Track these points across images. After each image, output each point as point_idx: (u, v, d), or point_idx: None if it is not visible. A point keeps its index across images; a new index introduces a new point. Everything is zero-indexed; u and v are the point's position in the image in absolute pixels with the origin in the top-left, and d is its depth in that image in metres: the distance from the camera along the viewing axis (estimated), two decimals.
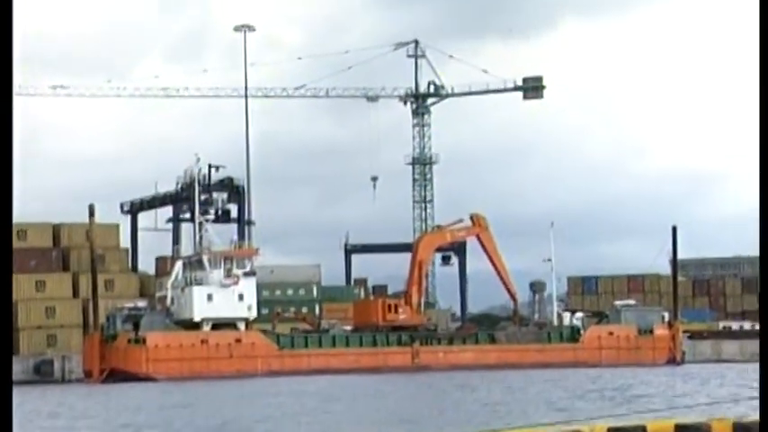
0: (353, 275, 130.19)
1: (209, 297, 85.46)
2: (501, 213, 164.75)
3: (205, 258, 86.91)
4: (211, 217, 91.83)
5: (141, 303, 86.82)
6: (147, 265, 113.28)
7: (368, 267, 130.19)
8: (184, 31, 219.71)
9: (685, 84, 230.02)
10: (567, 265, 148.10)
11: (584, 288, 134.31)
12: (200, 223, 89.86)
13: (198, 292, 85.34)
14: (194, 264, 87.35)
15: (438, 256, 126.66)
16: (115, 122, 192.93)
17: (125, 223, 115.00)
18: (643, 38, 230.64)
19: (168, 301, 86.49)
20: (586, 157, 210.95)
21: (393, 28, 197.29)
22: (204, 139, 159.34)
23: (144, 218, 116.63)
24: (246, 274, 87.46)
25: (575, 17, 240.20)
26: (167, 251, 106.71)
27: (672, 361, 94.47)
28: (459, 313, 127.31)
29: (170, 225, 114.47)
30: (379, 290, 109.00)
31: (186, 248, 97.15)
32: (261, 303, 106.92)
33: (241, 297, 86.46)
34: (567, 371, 78.75)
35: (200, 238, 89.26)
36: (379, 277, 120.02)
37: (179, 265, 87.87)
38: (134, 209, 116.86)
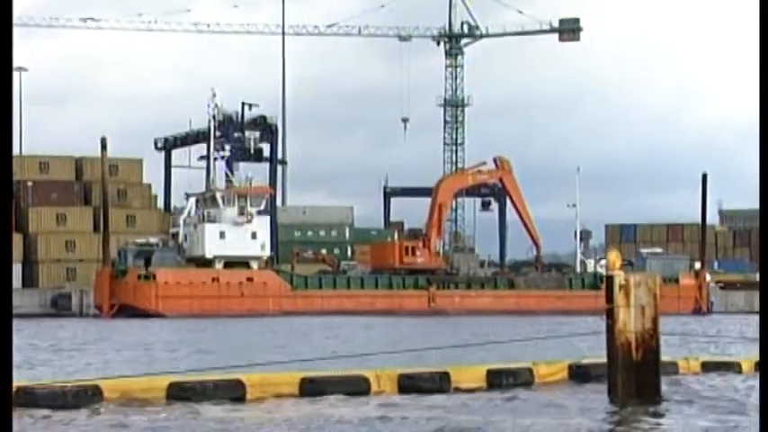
0: (393, 218, 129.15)
1: (222, 234, 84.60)
2: (535, 159, 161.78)
3: (218, 195, 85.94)
4: (227, 154, 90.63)
5: (153, 239, 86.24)
6: (181, 202, 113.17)
7: (406, 211, 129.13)
8: None
9: (738, 28, 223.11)
10: (612, 215, 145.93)
11: (621, 236, 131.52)
12: (215, 160, 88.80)
13: (210, 230, 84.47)
14: (207, 201, 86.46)
15: (478, 201, 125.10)
16: (170, 58, 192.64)
17: (159, 160, 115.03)
18: None
19: (180, 237, 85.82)
20: (630, 103, 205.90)
21: None
22: (248, 79, 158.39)
23: (178, 155, 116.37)
24: (260, 213, 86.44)
25: None
26: (201, 189, 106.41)
27: (698, 311, 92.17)
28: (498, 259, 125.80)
29: (202, 162, 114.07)
30: (415, 233, 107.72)
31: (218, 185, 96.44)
32: (292, 243, 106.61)
33: (254, 235, 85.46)
34: (587, 318, 76.96)
35: (215, 175, 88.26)
36: (416, 221, 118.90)
37: (192, 201, 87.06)
38: (168, 146, 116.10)
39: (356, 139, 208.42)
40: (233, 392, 14.09)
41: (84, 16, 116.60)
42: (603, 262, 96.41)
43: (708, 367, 18.73)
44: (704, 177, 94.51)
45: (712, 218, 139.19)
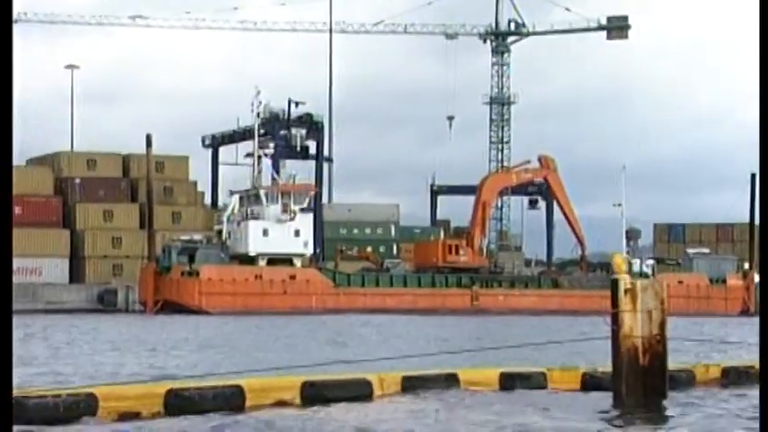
0: (439, 217, 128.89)
1: (265, 232, 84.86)
2: (582, 157, 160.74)
3: (262, 193, 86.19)
4: (270, 151, 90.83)
5: (197, 236, 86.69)
6: (228, 199, 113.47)
7: (453, 209, 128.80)
8: None
9: None
10: (661, 214, 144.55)
11: (670, 236, 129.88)
12: (259, 157, 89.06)
13: (253, 227, 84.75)
14: (251, 198, 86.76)
15: (525, 199, 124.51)
16: (217, 56, 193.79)
17: (206, 157, 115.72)
18: None
19: (224, 234, 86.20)
20: (679, 102, 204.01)
21: None
22: (295, 77, 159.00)
23: (226, 153, 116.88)
24: (304, 210, 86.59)
25: None
26: (248, 186, 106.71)
27: (745, 312, 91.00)
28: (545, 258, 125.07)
29: (249, 160, 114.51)
30: (461, 231, 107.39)
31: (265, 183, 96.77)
32: (337, 241, 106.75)
33: (297, 233, 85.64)
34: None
35: (259, 172, 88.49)
36: (462, 219, 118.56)
37: (235, 198, 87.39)
38: (215, 143, 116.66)
39: (404, 137, 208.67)
40: (231, 400, 13.83)
41: (134, 14, 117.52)
42: (649, 262, 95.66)
43: (728, 374, 18.33)
44: (753, 177, 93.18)
45: (764, 217, 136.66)
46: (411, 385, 15.62)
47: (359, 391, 15.08)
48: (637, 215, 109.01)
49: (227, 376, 15.61)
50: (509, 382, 16.29)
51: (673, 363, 18.86)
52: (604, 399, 14.87)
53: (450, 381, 16.07)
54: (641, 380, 14.08)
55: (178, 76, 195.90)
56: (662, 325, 14.25)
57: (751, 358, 19.67)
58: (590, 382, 16.49)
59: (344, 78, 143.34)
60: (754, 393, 17.31)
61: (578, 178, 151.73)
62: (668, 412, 14.09)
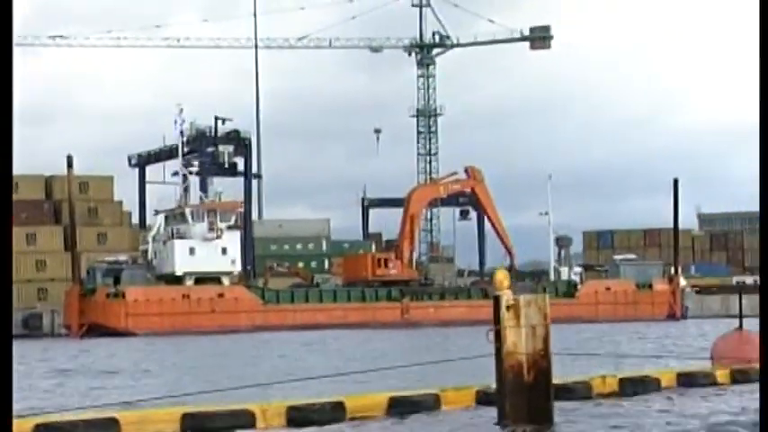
0: (371, 230, 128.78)
1: (192, 250, 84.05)
2: (512, 167, 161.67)
3: (187, 211, 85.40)
4: (195, 169, 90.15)
5: (122, 257, 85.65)
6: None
7: (385, 222, 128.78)
8: None
9: (713, 34, 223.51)
10: (591, 222, 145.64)
11: (599, 243, 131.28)
12: (185, 175, 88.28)
13: (180, 246, 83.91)
14: (177, 217, 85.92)
15: (456, 210, 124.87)
16: (142, 74, 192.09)
17: (134, 176, 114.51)
18: None
19: (150, 254, 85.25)
20: (605, 109, 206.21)
21: None
22: (222, 94, 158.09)
23: (154, 172, 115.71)
24: (230, 228, 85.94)
25: None
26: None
27: (672, 316, 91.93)
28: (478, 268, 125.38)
29: (176, 178, 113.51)
30: (393, 244, 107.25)
31: (193, 201, 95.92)
32: (268, 257, 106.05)
33: (225, 251, 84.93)
34: (560, 326, 76.68)
35: (185, 190, 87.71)
36: (394, 232, 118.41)
37: (160, 218, 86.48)
38: (141, 162, 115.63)
39: (334, 151, 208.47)
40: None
41: (54, 34, 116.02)
42: (577, 269, 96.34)
43: (625, 385, 18.25)
44: (676, 182, 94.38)
45: (690, 222, 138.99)
46: (296, 416, 15.14)
47: (240, 423, 14.56)
48: (567, 222, 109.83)
49: (107, 407, 15.13)
50: (398, 407, 15.93)
51: (570, 375, 18.81)
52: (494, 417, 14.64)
53: (337, 410, 15.57)
54: (526, 396, 13.87)
55: (103, 96, 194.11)
56: (545, 340, 14.07)
57: (649, 368, 19.66)
58: (484, 399, 16.28)
59: (272, 94, 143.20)
60: (652, 400, 17.29)
61: (508, 188, 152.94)
62: (554, 428, 13.89)
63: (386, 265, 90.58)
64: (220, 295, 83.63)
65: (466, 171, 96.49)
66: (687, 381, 18.77)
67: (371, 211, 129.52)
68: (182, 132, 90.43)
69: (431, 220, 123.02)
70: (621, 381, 18.22)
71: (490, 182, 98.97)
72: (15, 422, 13.12)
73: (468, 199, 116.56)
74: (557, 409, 16.43)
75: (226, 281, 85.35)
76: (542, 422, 13.98)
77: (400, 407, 15.74)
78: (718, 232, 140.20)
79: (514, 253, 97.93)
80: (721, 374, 19.50)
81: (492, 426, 14.13)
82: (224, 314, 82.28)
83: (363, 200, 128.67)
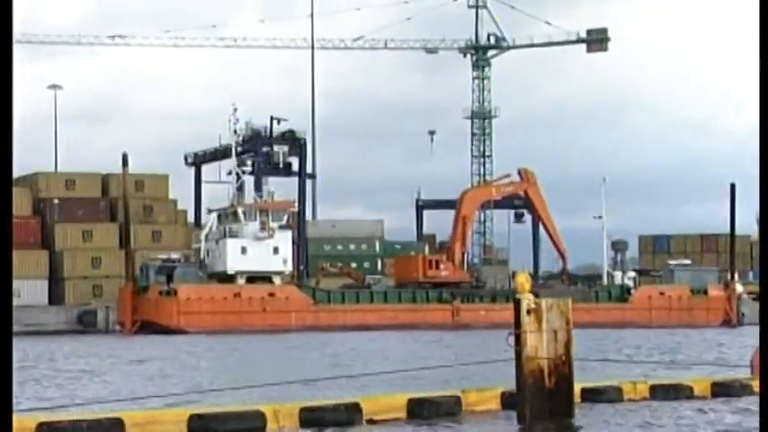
0: (426, 231, 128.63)
1: (243, 250, 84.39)
2: (565, 171, 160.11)
3: (240, 210, 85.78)
4: (248, 168, 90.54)
5: (175, 255, 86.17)
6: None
7: (439, 224, 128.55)
8: None
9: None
10: (648, 226, 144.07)
11: (655, 247, 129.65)
12: (238, 175, 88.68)
13: (232, 245, 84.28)
14: (229, 216, 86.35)
15: (511, 213, 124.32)
16: (199, 74, 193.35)
17: (189, 176, 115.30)
18: None
19: (202, 253, 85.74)
20: (663, 112, 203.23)
21: None
22: (279, 94, 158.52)
23: (210, 171, 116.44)
24: (282, 227, 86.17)
25: None
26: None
27: (727, 322, 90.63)
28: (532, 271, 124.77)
29: (230, 178, 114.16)
30: (446, 245, 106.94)
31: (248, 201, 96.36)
32: (321, 257, 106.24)
33: (276, 250, 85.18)
34: (610, 331, 75.96)
35: (238, 189, 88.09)
36: (448, 233, 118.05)
37: (213, 217, 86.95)
38: (197, 161, 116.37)
39: (389, 152, 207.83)
40: None
41: (113, 33, 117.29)
42: (631, 274, 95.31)
43: (656, 392, 17.91)
44: (732, 187, 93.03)
45: (750, 228, 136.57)
46: (309, 417, 14.82)
47: (251, 425, 14.24)
48: (624, 226, 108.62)
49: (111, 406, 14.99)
50: (417, 409, 15.64)
51: (601, 379, 18.53)
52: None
53: (352, 411, 15.17)
54: (547, 402, 13.64)
55: (160, 95, 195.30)
56: (567, 345, 13.82)
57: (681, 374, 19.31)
58: (510, 401, 16.02)
59: (327, 94, 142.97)
60: (683, 407, 16.96)
61: (563, 191, 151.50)
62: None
63: (437, 267, 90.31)
64: (271, 294, 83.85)
65: (519, 173, 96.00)
66: (722, 390, 18.36)
67: (426, 213, 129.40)
68: (235, 131, 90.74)
69: (484, 222, 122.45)
70: (653, 387, 17.88)
71: (545, 184, 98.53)
72: (18, 420, 13.06)
73: (523, 202, 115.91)
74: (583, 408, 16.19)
75: (277, 280, 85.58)
76: (563, 427, 13.73)
77: (419, 408, 15.42)
78: None
79: (567, 256, 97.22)
80: (759, 384, 19.05)
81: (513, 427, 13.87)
82: (275, 313, 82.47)
83: (417, 201, 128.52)
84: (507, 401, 15.98)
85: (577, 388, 17.54)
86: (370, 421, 14.81)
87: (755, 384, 19.08)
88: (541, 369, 13.63)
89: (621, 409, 16.51)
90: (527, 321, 13.63)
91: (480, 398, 15.61)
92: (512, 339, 13.94)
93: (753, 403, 17.41)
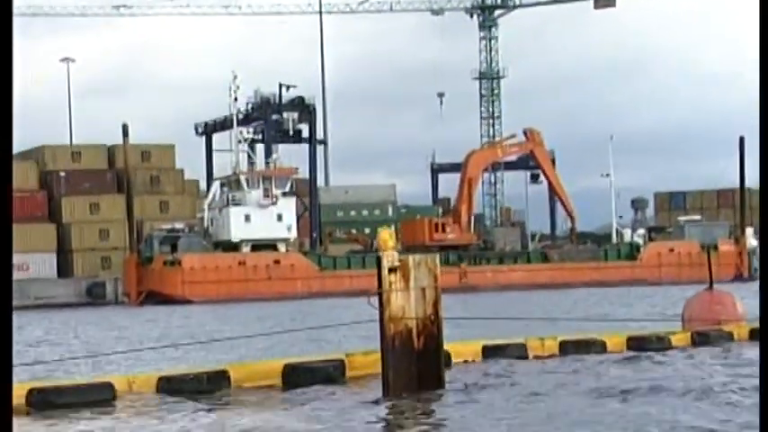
0: (441, 195, 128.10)
1: (247, 218, 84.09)
2: (577, 130, 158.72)
3: (242, 178, 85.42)
4: (251, 136, 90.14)
5: (179, 225, 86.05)
6: None
7: (454, 187, 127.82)
8: None
9: None
10: (669, 184, 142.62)
11: (671, 204, 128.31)
12: (239, 142, 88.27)
13: (235, 213, 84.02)
14: (232, 184, 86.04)
15: (527, 174, 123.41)
16: (204, 43, 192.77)
17: (200, 145, 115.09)
18: None
19: (206, 222, 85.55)
20: (676, 67, 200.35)
21: None
22: (287, 61, 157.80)
23: (219, 140, 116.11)
24: (286, 194, 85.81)
25: None
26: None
27: (739, 277, 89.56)
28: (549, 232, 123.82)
29: (241, 146, 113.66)
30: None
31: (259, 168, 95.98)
32: (334, 224, 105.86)
33: (280, 217, 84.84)
34: (620, 289, 75.28)
35: (240, 157, 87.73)
36: None
37: (216, 185, 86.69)
38: (208, 130, 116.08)
39: (403, 117, 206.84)
40: None
41: (117, 4, 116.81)
42: (641, 231, 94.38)
43: (567, 348, 17.33)
44: (741, 140, 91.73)
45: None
46: (167, 388, 13.88)
47: (97, 397, 13.27)
48: (643, 185, 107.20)
49: None
50: (293, 376, 14.66)
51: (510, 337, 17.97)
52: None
53: (217, 380, 14.21)
54: (415, 364, 13.10)
55: (172, 66, 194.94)
56: (436, 304, 13.26)
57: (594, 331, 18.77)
58: None
59: (337, 61, 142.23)
60: (588, 359, 16.41)
61: (575, 150, 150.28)
62: (444, 398, 13.10)
63: (443, 230, 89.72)
64: (276, 262, 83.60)
65: (524, 133, 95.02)
66: (637, 345, 17.77)
67: (441, 177, 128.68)
68: (236, 99, 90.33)
69: (494, 183, 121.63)
70: (563, 343, 17.29)
71: (557, 144, 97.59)
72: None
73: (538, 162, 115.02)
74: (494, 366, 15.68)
75: (282, 247, 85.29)
76: (432, 389, 13.20)
77: (296, 375, 14.74)
78: None
79: (576, 216, 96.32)
80: (678, 338, 18.45)
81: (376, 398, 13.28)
82: (280, 281, 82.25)
83: (432, 165, 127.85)
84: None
85: (479, 345, 17.06)
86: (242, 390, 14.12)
87: (674, 338, 18.52)
88: (409, 330, 13.07)
89: (522, 366, 15.94)
90: (392, 280, 13.08)
91: (366, 361, 14.98)
92: (375, 301, 13.37)
93: (666, 357, 16.86)
